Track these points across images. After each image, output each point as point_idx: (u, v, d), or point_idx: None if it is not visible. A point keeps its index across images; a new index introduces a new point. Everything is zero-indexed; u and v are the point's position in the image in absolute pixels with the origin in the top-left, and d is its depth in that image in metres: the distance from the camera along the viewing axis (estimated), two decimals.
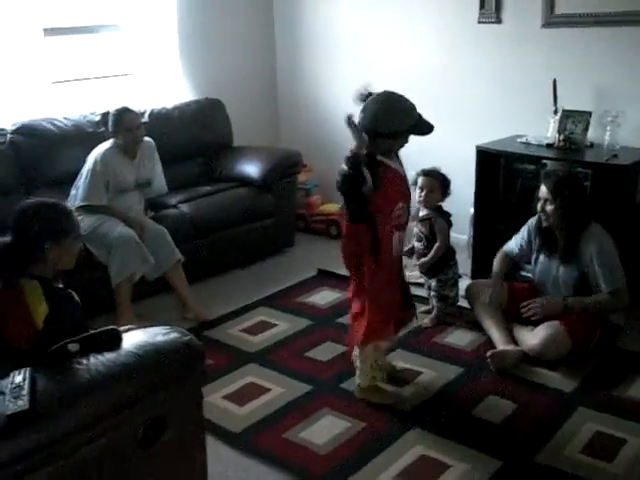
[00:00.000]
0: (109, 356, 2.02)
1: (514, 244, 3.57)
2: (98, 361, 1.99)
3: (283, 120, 5.54)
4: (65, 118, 4.18)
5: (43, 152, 4.02)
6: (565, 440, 2.73)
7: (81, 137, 4.07)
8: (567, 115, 3.82)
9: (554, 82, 3.90)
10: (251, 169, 4.57)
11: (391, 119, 2.76)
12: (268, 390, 3.14)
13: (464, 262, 4.14)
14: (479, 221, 4.05)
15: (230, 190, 4.50)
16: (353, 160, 2.70)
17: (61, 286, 2.35)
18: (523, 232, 3.53)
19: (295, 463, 2.66)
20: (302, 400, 3.06)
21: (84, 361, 1.97)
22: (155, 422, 2.05)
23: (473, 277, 4.05)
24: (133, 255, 3.65)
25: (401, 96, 2.81)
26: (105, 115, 3.95)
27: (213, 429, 2.86)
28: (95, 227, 3.70)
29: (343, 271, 4.17)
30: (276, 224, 4.58)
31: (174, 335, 2.16)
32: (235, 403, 3.05)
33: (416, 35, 4.67)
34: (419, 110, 2.84)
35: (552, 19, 3.98)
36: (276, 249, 4.66)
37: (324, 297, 4.05)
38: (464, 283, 3.78)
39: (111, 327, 2.14)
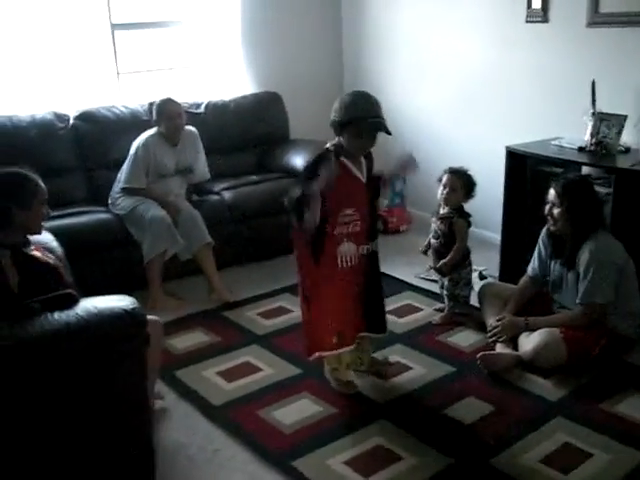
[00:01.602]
0: (58, 316, 2.25)
1: (533, 261, 3.47)
2: (47, 319, 2.23)
3: None
4: (124, 106, 4.53)
5: (101, 137, 4.39)
6: (528, 447, 2.68)
7: (136, 125, 4.36)
8: (602, 118, 3.67)
9: (593, 83, 3.76)
10: (297, 161, 4.70)
11: (339, 107, 2.80)
12: (260, 370, 3.30)
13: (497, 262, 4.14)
14: (508, 223, 3.99)
15: (274, 180, 4.66)
16: (319, 154, 2.84)
17: (30, 250, 2.57)
18: (538, 245, 3.45)
19: (257, 438, 2.79)
20: (287, 382, 3.19)
21: (39, 317, 2.23)
22: (96, 378, 2.27)
23: (501, 279, 3.99)
24: (164, 235, 3.91)
25: (361, 93, 2.86)
26: (151, 105, 4.24)
27: (196, 400, 3.07)
28: (133, 208, 4.00)
29: None
30: None
31: (122, 304, 2.35)
32: (225, 379, 3.23)
33: (467, 34, 4.67)
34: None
35: (597, 18, 3.83)
36: None
37: None
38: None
39: (68, 291, 2.38)
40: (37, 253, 2.52)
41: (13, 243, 2.47)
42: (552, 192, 3.23)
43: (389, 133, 2.81)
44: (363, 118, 2.78)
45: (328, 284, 2.94)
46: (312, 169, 2.83)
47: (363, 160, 2.96)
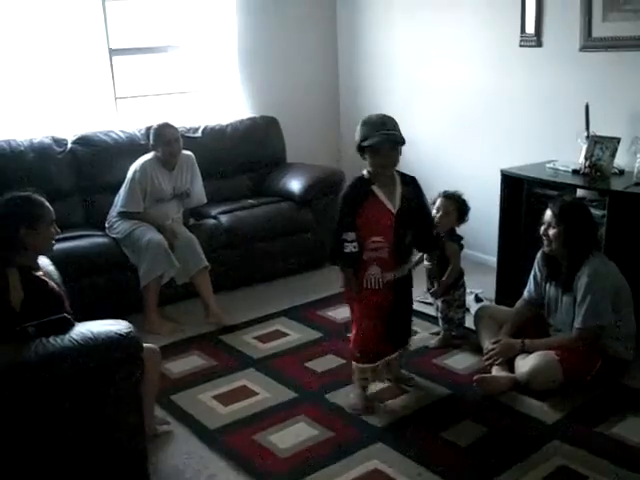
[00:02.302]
0: (53, 340, 2.27)
1: (529, 284, 3.47)
2: (42, 343, 2.24)
3: (345, 139, 5.67)
4: (121, 131, 4.57)
5: (98, 161, 4.42)
6: (524, 471, 2.67)
7: (134, 149, 4.38)
8: (595, 141, 3.70)
9: (586, 107, 3.80)
10: (294, 185, 4.75)
11: (357, 131, 2.96)
12: (256, 394, 3.28)
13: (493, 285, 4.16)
14: (504, 245, 4.01)
15: (271, 204, 4.70)
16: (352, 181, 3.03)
17: (39, 274, 2.61)
18: (534, 268, 3.45)
19: (252, 462, 2.78)
20: (283, 406, 3.18)
21: (34, 342, 2.25)
22: (91, 403, 2.28)
23: (497, 302, 4.00)
24: (160, 259, 3.92)
25: (375, 114, 3.02)
26: (148, 129, 4.27)
27: (192, 424, 3.06)
28: (130, 232, 4.02)
29: None
30: (315, 240, 4.71)
31: (117, 328, 2.36)
32: (221, 403, 3.22)
33: (462, 57, 4.73)
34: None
35: (589, 42, 3.88)
36: (315, 264, 4.77)
37: (344, 312, 4.08)
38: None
39: (63, 315, 2.39)
40: (45, 278, 2.55)
41: (23, 264, 2.50)
42: (549, 213, 3.24)
43: (403, 142, 2.91)
44: (374, 132, 2.87)
45: (358, 303, 3.07)
46: (347, 202, 2.99)
47: (399, 187, 3.00)
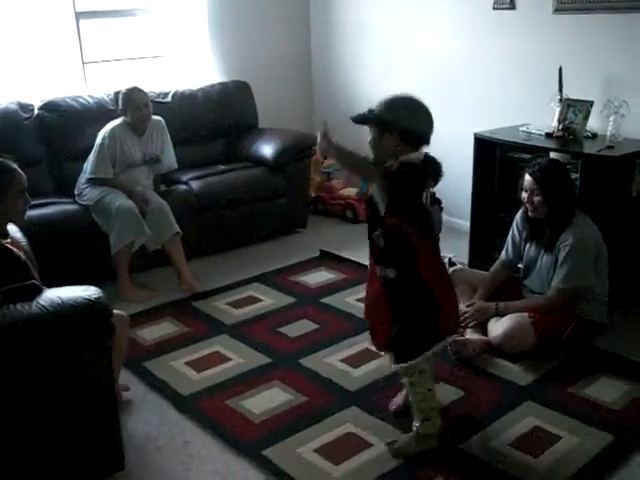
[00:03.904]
0: (21, 307, 2.21)
1: (507, 246, 3.48)
2: (9, 310, 2.19)
3: (317, 104, 5.63)
4: (89, 96, 4.46)
5: (66, 127, 4.32)
6: (498, 432, 2.69)
7: (102, 114, 4.29)
8: (569, 104, 3.70)
9: (560, 70, 3.78)
10: (266, 150, 4.70)
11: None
12: (229, 360, 3.27)
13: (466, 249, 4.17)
14: (477, 209, 4.01)
15: (243, 170, 4.64)
16: None
17: (6, 242, 2.55)
18: (512, 229, 3.46)
19: (227, 428, 2.77)
20: (256, 371, 3.17)
21: (2, 308, 2.19)
22: (61, 368, 2.24)
23: (470, 266, 4.00)
24: (131, 226, 3.86)
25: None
26: (117, 94, 4.18)
27: (165, 391, 3.04)
28: (100, 198, 3.95)
29: (345, 253, 4.22)
30: (288, 205, 4.68)
31: (86, 294, 2.32)
32: (193, 369, 3.20)
33: (435, 21, 4.68)
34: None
35: (563, 5, 3.86)
36: (288, 229, 4.75)
37: (317, 277, 4.13)
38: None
39: (30, 282, 2.34)
40: (10, 246, 2.49)
41: None
42: (529, 179, 3.21)
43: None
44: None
45: None
46: None
47: None
